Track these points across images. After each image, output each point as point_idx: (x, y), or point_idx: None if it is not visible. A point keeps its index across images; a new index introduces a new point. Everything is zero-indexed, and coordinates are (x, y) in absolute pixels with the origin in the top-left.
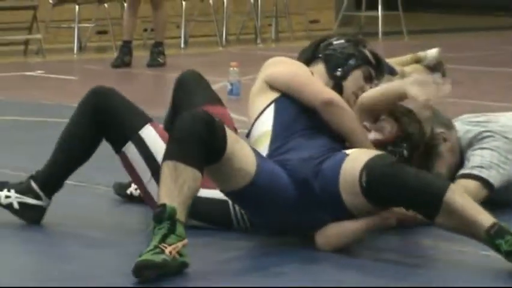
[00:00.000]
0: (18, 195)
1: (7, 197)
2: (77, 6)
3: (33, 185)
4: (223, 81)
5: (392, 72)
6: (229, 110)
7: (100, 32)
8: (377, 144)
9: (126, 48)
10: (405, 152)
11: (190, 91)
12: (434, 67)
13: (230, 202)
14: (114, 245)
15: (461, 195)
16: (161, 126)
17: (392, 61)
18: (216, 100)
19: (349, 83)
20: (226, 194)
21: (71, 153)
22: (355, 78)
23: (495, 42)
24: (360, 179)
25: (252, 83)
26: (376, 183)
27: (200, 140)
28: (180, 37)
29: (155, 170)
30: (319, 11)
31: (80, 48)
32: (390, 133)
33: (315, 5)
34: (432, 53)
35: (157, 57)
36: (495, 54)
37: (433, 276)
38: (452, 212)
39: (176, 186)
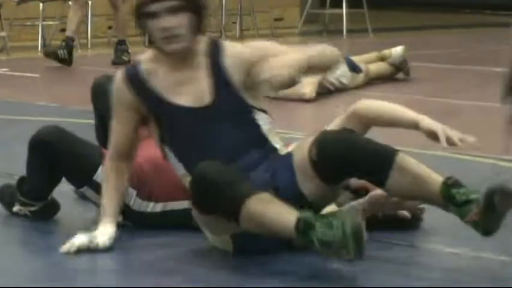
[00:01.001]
0: (22, 208)
1: (20, 210)
2: (41, 4)
3: (23, 199)
4: None
5: (356, 69)
6: None
7: (63, 30)
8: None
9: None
10: None
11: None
12: (399, 65)
13: None
14: None
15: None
16: None
17: (357, 59)
18: None
19: None
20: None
21: (40, 184)
22: None
23: (463, 40)
24: (310, 155)
25: None
26: (326, 152)
27: None
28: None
29: None
30: (284, 9)
31: (45, 46)
32: None
33: (279, 2)
34: (397, 51)
35: (121, 55)
36: (463, 52)
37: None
38: (405, 170)
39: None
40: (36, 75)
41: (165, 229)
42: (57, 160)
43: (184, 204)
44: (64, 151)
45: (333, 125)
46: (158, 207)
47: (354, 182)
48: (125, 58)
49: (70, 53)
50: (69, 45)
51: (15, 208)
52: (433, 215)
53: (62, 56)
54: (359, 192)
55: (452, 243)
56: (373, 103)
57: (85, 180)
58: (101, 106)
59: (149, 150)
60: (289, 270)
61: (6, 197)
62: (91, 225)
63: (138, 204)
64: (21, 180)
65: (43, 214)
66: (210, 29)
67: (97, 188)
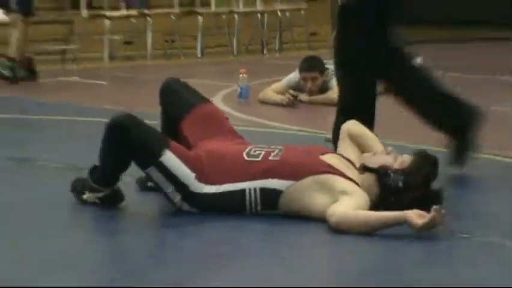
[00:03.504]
0: (91, 195)
1: (88, 197)
2: (107, 21)
3: (94, 185)
4: (234, 86)
5: None
6: (238, 110)
7: (126, 43)
8: (382, 167)
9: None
10: (400, 184)
11: (181, 95)
12: None
13: (247, 190)
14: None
15: None
16: (177, 145)
17: None
18: (206, 100)
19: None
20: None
21: (111, 167)
22: None
23: (470, 52)
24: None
25: (259, 88)
26: None
27: None
28: (197, 48)
29: (178, 186)
30: (318, 25)
31: (110, 57)
32: (402, 164)
33: (314, 19)
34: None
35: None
36: (468, 62)
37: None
38: None
39: None
40: (103, 83)
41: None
42: (129, 141)
43: (231, 187)
44: (136, 133)
45: (342, 149)
46: (213, 189)
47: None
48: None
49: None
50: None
51: (85, 196)
52: None
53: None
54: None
55: None
56: (360, 130)
57: (152, 161)
58: (168, 102)
59: (208, 145)
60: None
61: (78, 187)
62: (155, 214)
63: (196, 186)
64: (94, 168)
65: (110, 201)
66: (253, 42)
67: (162, 169)
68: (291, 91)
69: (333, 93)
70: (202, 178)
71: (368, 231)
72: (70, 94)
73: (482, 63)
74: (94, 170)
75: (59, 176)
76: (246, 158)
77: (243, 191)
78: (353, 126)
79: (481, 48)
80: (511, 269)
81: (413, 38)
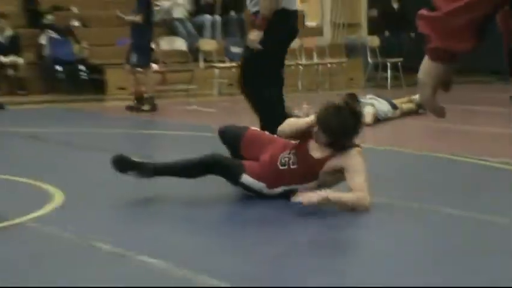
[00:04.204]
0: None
1: (131, 174)
2: (216, 70)
3: (147, 174)
4: (299, 113)
5: (395, 107)
6: None
7: (230, 84)
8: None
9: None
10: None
11: (230, 133)
12: (421, 105)
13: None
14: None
15: None
16: (250, 165)
17: (396, 101)
18: (246, 127)
19: None
20: None
21: (182, 173)
22: None
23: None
24: None
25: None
26: None
27: None
28: None
29: (256, 193)
30: (354, 73)
31: (219, 94)
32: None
33: (351, 69)
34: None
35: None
36: (461, 96)
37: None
38: None
39: None
40: (213, 110)
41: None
42: (216, 171)
43: (279, 189)
44: (221, 165)
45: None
46: (275, 191)
47: None
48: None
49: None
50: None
51: (130, 173)
52: None
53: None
54: None
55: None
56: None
57: (235, 182)
58: (226, 141)
59: (262, 157)
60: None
61: (128, 166)
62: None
63: (266, 191)
64: (156, 168)
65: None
66: (311, 84)
67: (243, 186)
68: None
69: (364, 117)
70: (269, 186)
71: None
72: (190, 117)
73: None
74: (156, 170)
75: None
76: (280, 167)
77: (287, 191)
78: (281, 127)
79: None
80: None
81: None
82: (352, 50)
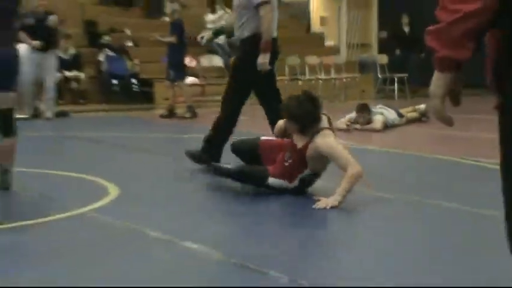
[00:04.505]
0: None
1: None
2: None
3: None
4: None
5: (401, 116)
6: None
7: None
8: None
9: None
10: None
11: (250, 143)
12: (423, 113)
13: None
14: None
15: None
16: (274, 169)
17: (402, 110)
18: (258, 138)
19: None
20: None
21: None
22: None
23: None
24: None
25: (333, 121)
26: None
27: None
28: None
29: (280, 190)
30: (366, 86)
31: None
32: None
33: (363, 83)
34: (422, 106)
35: None
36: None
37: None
38: None
39: None
40: (245, 118)
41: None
42: (247, 179)
43: (295, 183)
44: (250, 174)
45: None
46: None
47: None
48: None
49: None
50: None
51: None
52: None
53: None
54: None
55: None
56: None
57: (262, 185)
58: (242, 157)
59: (278, 158)
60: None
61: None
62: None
63: (291, 186)
64: (217, 167)
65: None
66: (329, 96)
67: (271, 187)
68: (348, 123)
69: (374, 124)
70: (288, 181)
71: None
72: None
73: None
74: (216, 169)
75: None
76: (285, 164)
77: (303, 183)
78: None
79: None
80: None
81: None
82: (364, 67)
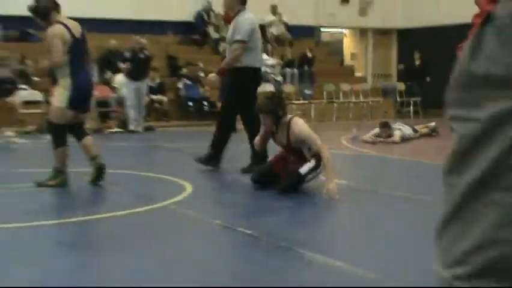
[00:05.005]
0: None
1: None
2: (294, 105)
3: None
4: (350, 134)
5: (415, 131)
6: (351, 146)
7: (303, 114)
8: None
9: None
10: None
11: (265, 169)
12: (433, 130)
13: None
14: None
15: None
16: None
17: (416, 127)
18: (266, 155)
19: None
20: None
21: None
22: None
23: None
24: None
25: (361, 135)
26: None
27: None
28: (332, 118)
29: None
30: (388, 109)
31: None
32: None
33: (386, 105)
34: (432, 123)
35: None
36: None
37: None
38: None
39: None
40: None
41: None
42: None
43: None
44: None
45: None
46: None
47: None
48: None
49: None
50: None
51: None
52: None
53: None
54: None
55: None
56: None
57: (301, 180)
58: (262, 180)
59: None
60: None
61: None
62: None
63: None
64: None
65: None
66: (358, 116)
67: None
68: (373, 137)
69: (394, 137)
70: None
71: None
72: None
73: None
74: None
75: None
76: (291, 165)
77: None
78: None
79: None
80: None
81: None
82: (386, 92)
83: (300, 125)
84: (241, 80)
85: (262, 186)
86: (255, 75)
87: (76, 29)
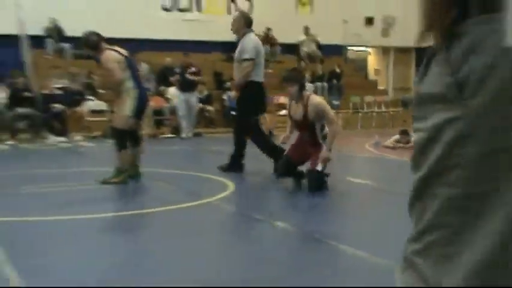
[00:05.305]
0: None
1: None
2: None
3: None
4: (373, 141)
5: None
6: (374, 150)
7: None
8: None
9: None
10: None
11: (285, 163)
12: None
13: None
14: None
15: None
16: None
17: None
18: (285, 153)
19: None
20: None
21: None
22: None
23: None
24: None
25: (383, 141)
26: None
27: None
28: (357, 126)
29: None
30: (408, 118)
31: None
32: None
33: (406, 115)
34: None
35: None
36: None
37: None
38: None
39: None
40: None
41: None
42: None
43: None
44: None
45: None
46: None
47: None
48: None
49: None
50: None
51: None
52: None
53: None
54: None
55: None
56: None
57: (322, 177)
58: (290, 171)
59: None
60: None
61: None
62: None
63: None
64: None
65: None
66: (381, 125)
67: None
68: (394, 143)
69: (413, 144)
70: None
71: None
72: None
73: None
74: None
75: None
76: (309, 147)
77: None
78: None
79: None
80: None
81: None
82: (405, 103)
83: (318, 98)
84: (248, 92)
85: (288, 177)
86: (260, 88)
87: (122, 50)
